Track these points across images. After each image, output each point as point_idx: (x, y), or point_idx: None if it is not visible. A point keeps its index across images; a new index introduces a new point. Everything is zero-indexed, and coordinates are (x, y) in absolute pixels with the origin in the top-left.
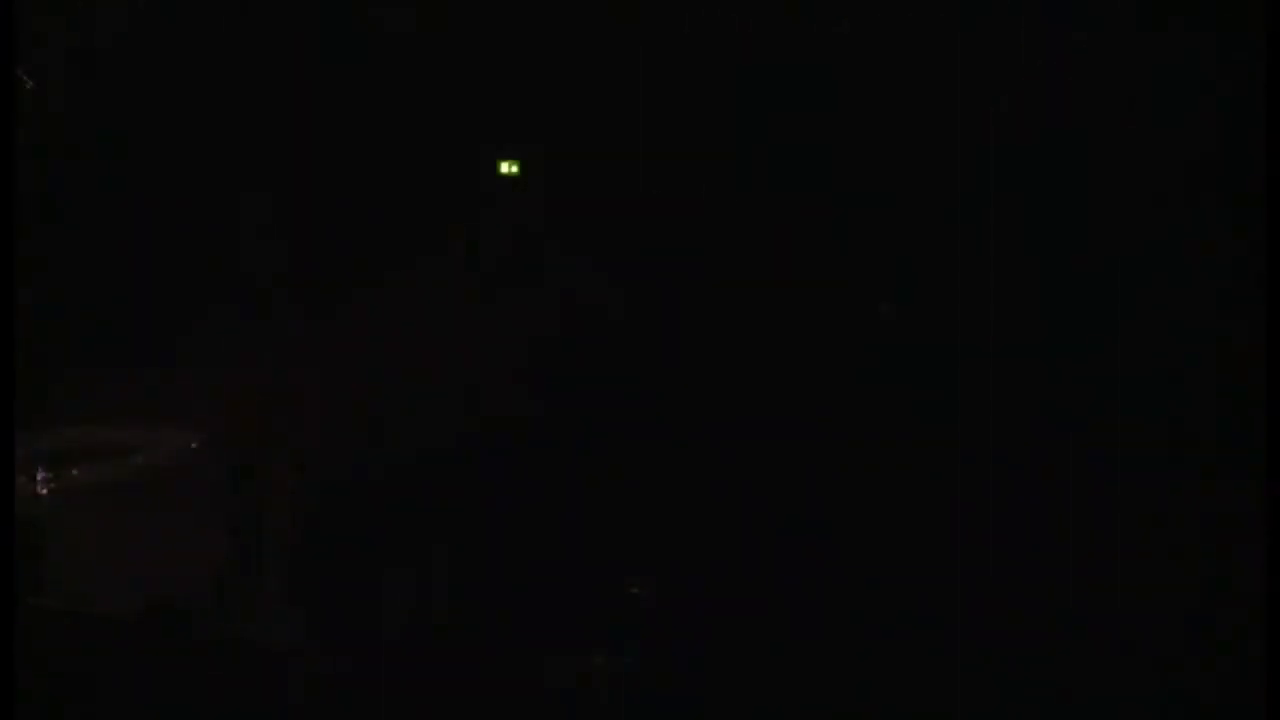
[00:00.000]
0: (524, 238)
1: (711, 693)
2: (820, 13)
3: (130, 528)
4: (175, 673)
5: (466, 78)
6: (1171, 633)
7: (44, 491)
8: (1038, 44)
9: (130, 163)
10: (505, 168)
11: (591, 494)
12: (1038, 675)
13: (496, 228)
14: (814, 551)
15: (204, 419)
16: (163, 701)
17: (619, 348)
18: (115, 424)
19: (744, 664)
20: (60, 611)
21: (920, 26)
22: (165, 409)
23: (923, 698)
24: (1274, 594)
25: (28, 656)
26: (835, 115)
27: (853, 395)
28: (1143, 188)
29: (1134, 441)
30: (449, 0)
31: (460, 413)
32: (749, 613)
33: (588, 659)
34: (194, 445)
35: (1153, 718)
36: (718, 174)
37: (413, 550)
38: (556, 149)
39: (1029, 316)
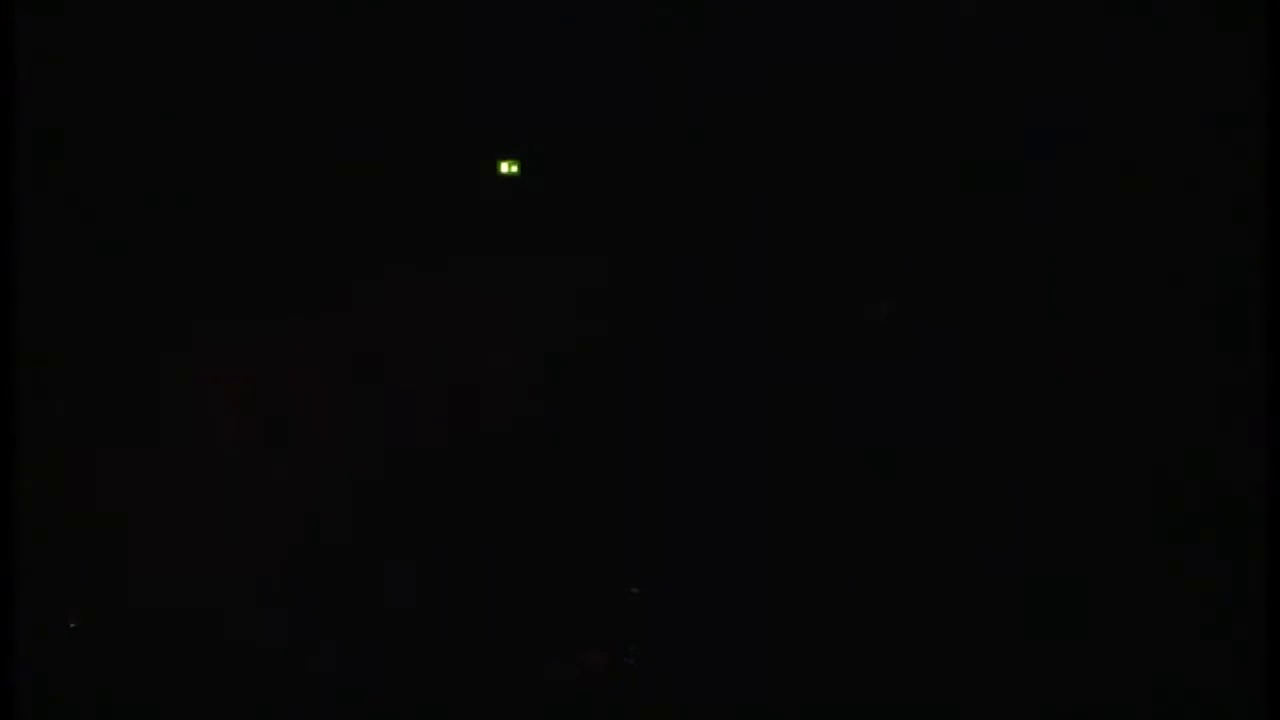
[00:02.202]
0: (524, 237)
1: (712, 693)
2: (820, 11)
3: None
4: (183, 675)
5: (466, 77)
6: (1172, 633)
7: None
8: (1036, 42)
9: (127, 162)
10: (505, 168)
11: (592, 494)
12: (1038, 676)
13: (496, 227)
14: (814, 551)
15: (205, 420)
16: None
17: (619, 347)
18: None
19: (744, 664)
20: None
21: (918, 26)
22: (166, 410)
23: (923, 698)
24: (1274, 594)
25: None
26: (835, 114)
27: (853, 395)
28: (1143, 187)
29: (1133, 442)
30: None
31: (460, 413)
32: (749, 613)
33: (588, 659)
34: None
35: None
36: (718, 173)
37: (413, 550)
38: (557, 149)
39: (1027, 317)
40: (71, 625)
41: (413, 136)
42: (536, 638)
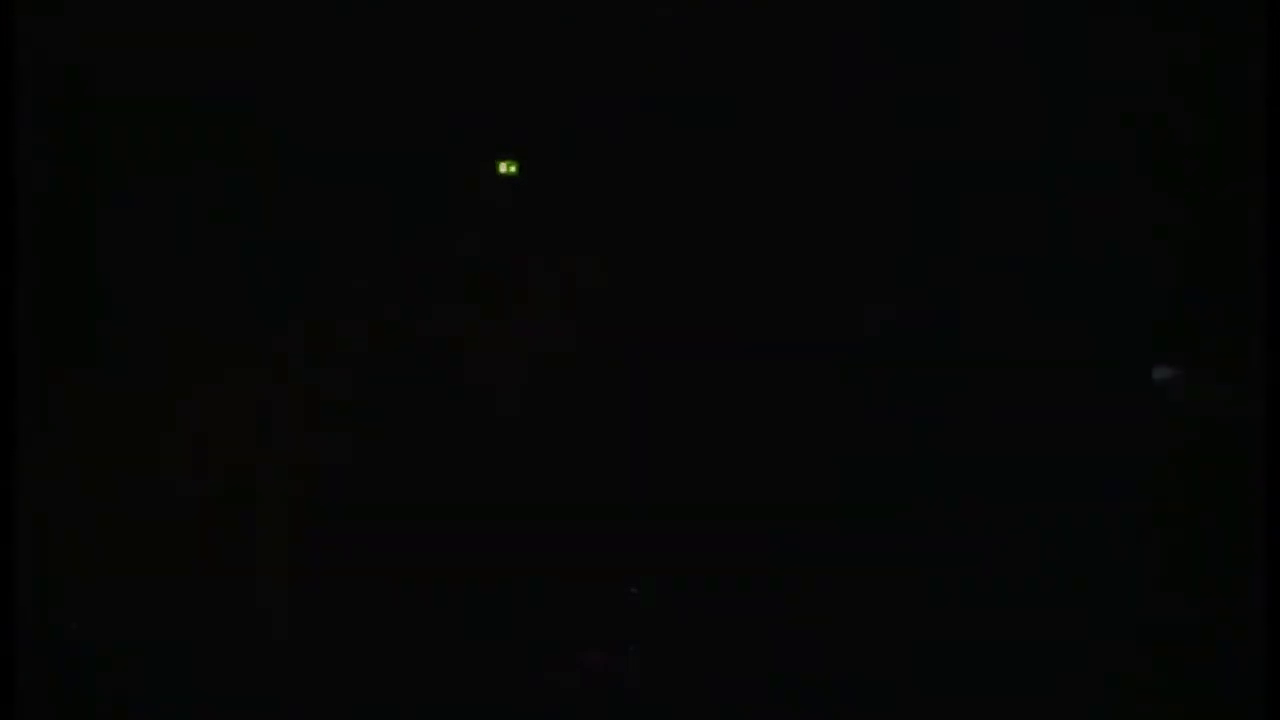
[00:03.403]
0: (523, 237)
1: (711, 693)
2: (819, 11)
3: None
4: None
5: (466, 77)
6: (1173, 634)
7: None
8: (1030, 40)
9: (125, 162)
10: (505, 168)
11: (592, 494)
12: (1038, 679)
13: (496, 228)
14: (814, 552)
15: (204, 422)
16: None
17: (618, 348)
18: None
19: (744, 664)
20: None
21: (920, 26)
22: (166, 413)
23: (922, 699)
24: (1274, 594)
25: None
26: (837, 114)
27: (854, 396)
28: (1142, 187)
29: (1131, 443)
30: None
31: (458, 412)
32: (749, 614)
33: (588, 659)
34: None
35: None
36: (719, 174)
37: (412, 551)
38: (556, 149)
39: (1025, 319)
40: (73, 627)
41: (411, 136)
42: (536, 639)
